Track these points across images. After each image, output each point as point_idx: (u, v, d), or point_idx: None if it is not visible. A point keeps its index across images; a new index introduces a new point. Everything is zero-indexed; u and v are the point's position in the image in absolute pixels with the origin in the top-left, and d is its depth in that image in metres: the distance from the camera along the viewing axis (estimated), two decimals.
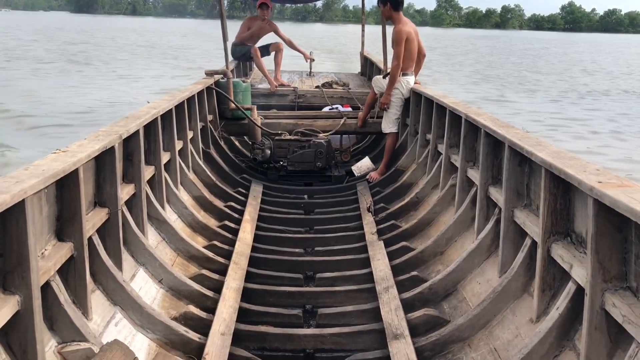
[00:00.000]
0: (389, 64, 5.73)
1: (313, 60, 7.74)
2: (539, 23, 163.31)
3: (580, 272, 2.10)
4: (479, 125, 3.37)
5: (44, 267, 2.06)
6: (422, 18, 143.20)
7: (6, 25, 57.38)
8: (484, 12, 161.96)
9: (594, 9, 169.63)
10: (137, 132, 3.16)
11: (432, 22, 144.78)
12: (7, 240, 1.83)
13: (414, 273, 3.37)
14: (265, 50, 7.41)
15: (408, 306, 3.01)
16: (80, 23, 72.32)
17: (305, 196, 5.18)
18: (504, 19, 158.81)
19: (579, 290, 2.11)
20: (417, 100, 5.15)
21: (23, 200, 1.80)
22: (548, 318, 2.25)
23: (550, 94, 17.62)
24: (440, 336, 2.69)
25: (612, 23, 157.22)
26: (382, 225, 4.17)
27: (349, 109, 6.36)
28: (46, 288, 2.11)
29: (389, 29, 5.81)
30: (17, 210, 1.80)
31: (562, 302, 2.22)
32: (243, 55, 7.38)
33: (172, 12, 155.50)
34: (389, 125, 5.46)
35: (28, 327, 1.85)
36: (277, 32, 7.46)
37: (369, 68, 8.56)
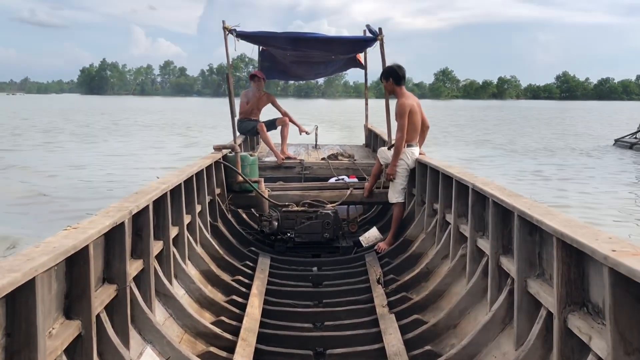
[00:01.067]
0: (393, 136, 5.84)
1: (308, 133, 7.93)
2: (535, 92, 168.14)
3: (601, 344, 2.04)
4: (487, 195, 3.38)
5: (50, 346, 2.02)
6: (421, 91, 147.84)
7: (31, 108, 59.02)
8: (481, 83, 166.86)
9: (587, 78, 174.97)
10: (146, 207, 3.18)
11: (430, 95, 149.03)
12: (15, 319, 1.80)
13: (428, 347, 3.27)
14: (272, 124, 7.59)
15: None
16: (94, 104, 75.08)
17: (315, 268, 5.13)
18: (501, 90, 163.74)
19: None
20: (422, 171, 5.20)
21: (34, 279, 1.79)
22: None
23: (527, 154, 20.68)
24: None
25: (606, 91, 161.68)
26: (392, 298, 4.09)
27: (355, 179, 6.43)
28: None
29: (392, 102, 5.96)
30: (28, 288, 1.78)
31: None
32: (250, 130, 7.57)
33: (179, 91, 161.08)
34: (395, 195, 5.49)
35: None
36: (274, 104, 7.70)
37: (373, 139, 8.72)
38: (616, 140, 23.45)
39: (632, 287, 1.83)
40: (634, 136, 22.49)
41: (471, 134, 30.15)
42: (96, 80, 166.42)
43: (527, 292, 2.76)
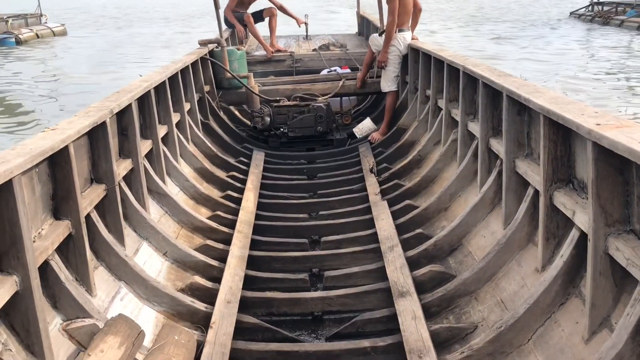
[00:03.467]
0: (385, 22, 5.60)
1: (306, 24, 7.57)
2: None
3: (583, 218, 2.06)
4: (477, 77, 3.29)
5: (41, 246, 2.05)
6: None
7: None
8: None
9: None
10: (129, 106, 3.11)
11: None
12: None
13: (419, 231, 3.35)
14: (259, 16, 7.25)
15: (413, 264, 3.00)
16: None
17: (303, 160, 5.15)
18: None
19: (583, 237, 2.08)
20: (415, 56, 5.04)
21: (11, 180, 1.78)
22: (553, 266, 2.23)
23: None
24: (447, 291, 2.68)
25: None
26: (385, 186, 4.14)
27: (348, 70, 6.26)
28: (45, 267, 2.11)
29: None
30: (5, 190, 1.78)
31: (566, 249, 2.19)
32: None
33: None
34: (388, 83, 5.36)
35: (29, 307, 1.85)
36: None
37: (365, 27, 8.40)
38: (571, 13, 26.79)
39: (614, 159, 1.81)
40: (588, 9, 25.40)
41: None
42: None
43: (515, 172, 2.77)
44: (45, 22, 24.06)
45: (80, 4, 46.26)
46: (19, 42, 20.18)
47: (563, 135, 2.30)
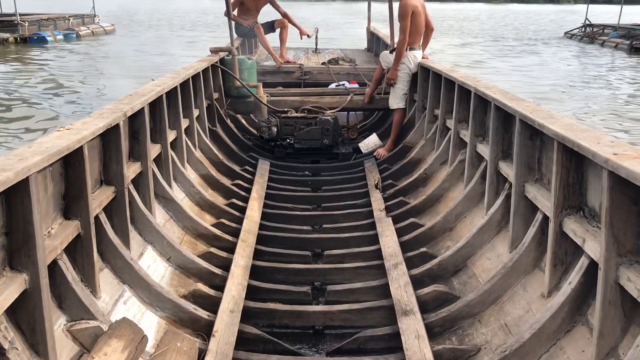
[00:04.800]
0: (396, 39, 5.64)
1: (309, 36, 7.62)
2: None
3: (594, 246, 2.07)
4: (489, 99, 3.31)
5: (50, 245, 2.05)
6: None
7: None
8: None
9: None
10: (142, 109, 3.12)
11: None
12: (12, 218, 1.81)
13: (423, 249, 3.34)
14: (270, 27, 7.30)
15: (417, 282, 2.99)
16: None
17: (307, 172, 5.16)
18: None
19: (592, 265, 2.08)
20: (425, 75, 5.07)
21: (27, 178, 1.78)
22: (560, 293, 2.22)
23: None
24: (450, 312, 2.67)
25: None
26: (390, 202, 4.14)
27: (356, 85, 6.29)
28: (53, 267, 2.10)
29: (395, 4, 5.69)
30: (22, 188, 1.78)
31: (574, 276, 2.19)
32: (247, 32, 7.29)
33: None
34: (396, 101, 5.39)
35: (36, 306, 1.84)
36: (273, 4, 7.29)
37: (375, 43, 8.45)
38: (565, 33, 29.84)
39: (630, 189, 1.82)
40: (580, 30, 28.26)
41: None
42: None
43: (524, 196, 2.77)
44: (98, 22, 28.59)
45: (115, 7, 48.34)
46: (78, 37, 24.22)
47: (576, 162, 2.30)
